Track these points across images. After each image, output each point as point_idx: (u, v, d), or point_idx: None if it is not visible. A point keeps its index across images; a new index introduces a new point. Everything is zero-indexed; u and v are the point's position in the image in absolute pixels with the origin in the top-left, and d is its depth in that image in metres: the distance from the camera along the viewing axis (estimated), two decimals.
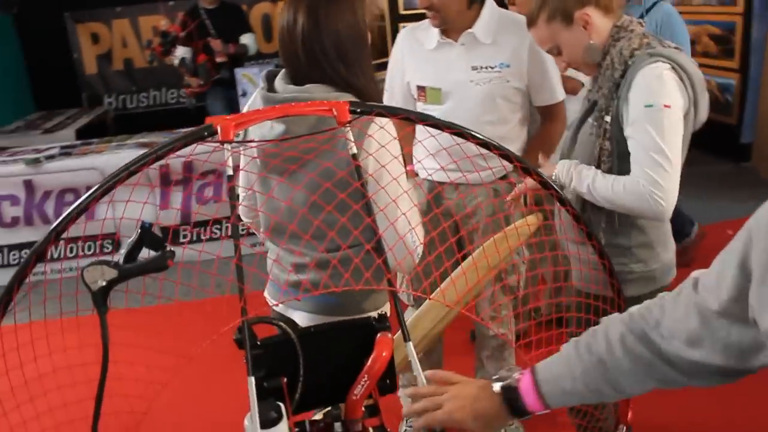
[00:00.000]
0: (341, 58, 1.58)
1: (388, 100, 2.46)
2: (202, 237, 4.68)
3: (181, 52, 5.45)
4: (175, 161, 4.38)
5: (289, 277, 1.71)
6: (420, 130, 2.24)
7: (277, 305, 1.76)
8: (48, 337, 1.18)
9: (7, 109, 6.55)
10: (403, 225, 1.39)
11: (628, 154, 1.62)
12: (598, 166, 1.68)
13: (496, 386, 1.02)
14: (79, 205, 1.09)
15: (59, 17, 7.00)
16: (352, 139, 1.13)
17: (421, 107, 2.30)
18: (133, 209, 1.30)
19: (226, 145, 1.09)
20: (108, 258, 1.07)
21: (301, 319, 1.74)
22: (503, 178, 2.30)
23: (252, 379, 1.04)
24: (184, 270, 1.22)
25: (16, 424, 1.12)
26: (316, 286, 1.62)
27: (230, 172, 1.09)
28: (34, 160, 4.32)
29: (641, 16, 3.41)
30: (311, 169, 1.47)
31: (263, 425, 1.04)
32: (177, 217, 4.46)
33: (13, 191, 4.33)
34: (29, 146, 5.10)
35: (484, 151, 1.24)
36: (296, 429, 1.18)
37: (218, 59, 5.32)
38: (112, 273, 1.03)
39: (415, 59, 2.31)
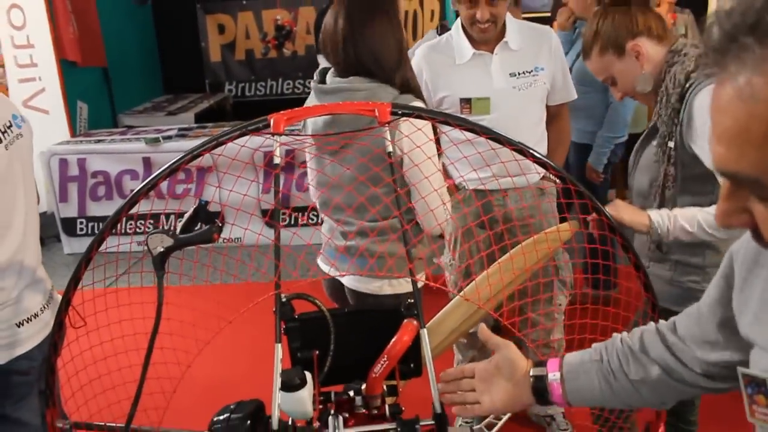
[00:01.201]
0: (377, 61, 1.76)
1: None
2: (300, 221, 4.91)
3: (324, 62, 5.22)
4: (280, 149, 4.65)
5: (338, 243, 1.90)
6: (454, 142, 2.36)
7: (333, 270, 1.93)
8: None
9: (140, 91, 7.15)
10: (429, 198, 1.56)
11: (693, 177, 1.60)
12: (662, 192, 1.67)
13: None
14: (145, 185, 1.26)
15: (191, 8, 7.54)
16: (389, 138, 1.22)
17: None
18: (240, 187, 1.56)
19: (276, 137, 1.22)
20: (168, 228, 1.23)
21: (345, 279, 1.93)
22: (543, 178, 2.40)
23: (278, 346, 1.17)
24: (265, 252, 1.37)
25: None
26: (356, 250, 1.82)
27: (277, 161, 1.22)
28: (153, 140, 4.73)
29: (572, 43, 3.36)
30: (354, 152, 1.67)
31: (287, 388, 1.16)
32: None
33: (133, 166, 4.76)
34: (152, 126, 5.57)
35: (519, 157, 1.31)
36: (321, 398, 1.30)
37: None
38: (169, 241, 1.19)
39: (444, 75, 2.34)
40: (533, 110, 2.33)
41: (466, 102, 2.32)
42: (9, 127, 1.70)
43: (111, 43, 6.30)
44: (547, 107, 2.42)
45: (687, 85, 1.58)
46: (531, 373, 1.08)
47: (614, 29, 1.70)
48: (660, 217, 1.60)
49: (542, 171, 2.31)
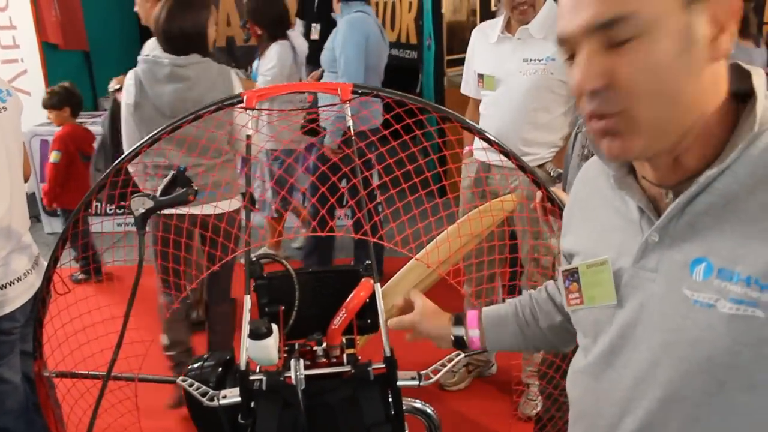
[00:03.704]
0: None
1: (464, 86, 2.79)
2: None
3: None
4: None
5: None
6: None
7: None
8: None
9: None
10: None
11: None
12: None
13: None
14: (115, 166, 1.39)
15: None
16: (350, 114, 1.36)
17: (481, 92, 2.61)
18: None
19: (248, 111, 1.36)
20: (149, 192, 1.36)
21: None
22: (541, 166, 2.50)
23: (247, 297, 1.30)
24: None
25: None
26: None
27: (250, 132, 1.36)
28: None
29: None
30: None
31: (255, 337, 1.29)
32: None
33: None
34: None
35: (529, 137, 1.41)
36: (286, 348, 1.43)
37: None
38: (150, 203, 1.32)
39: (480, 51, 2.62)
40: (538, 96, 2.41)
41: (480, 77, 2.57)
42: None
43: (92, 26, 6.34)
44: None
45: None
46: (453, 333, 1.23)
47: None
48: None
49: (546, 158, 2.49)
